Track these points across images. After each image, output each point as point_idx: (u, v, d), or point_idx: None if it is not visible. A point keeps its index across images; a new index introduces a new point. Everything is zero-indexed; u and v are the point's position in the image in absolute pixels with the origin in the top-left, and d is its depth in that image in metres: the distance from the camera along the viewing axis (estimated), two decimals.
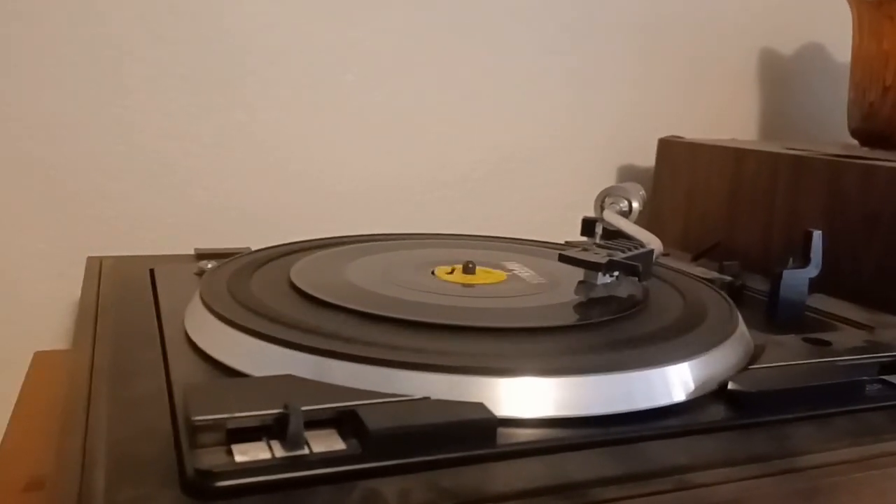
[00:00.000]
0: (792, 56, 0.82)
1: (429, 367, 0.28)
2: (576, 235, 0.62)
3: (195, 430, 0.25)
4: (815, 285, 0.45)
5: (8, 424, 0.46)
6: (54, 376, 0.54)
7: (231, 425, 0.25)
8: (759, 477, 0.27)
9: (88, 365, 0.32)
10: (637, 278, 0.36)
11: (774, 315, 0.42)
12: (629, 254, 0.36)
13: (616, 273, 0.37)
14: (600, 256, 0.35)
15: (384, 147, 0.68)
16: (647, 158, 0.75)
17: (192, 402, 0.25)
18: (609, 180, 0.76)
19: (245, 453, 0.24)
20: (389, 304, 0.35)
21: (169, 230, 0.62)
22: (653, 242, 0.43)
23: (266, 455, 0.24)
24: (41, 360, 0.57)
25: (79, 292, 0.56)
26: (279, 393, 0.27)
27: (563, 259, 0.36)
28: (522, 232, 0.73)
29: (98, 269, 0.48)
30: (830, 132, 0.82)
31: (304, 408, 0.25)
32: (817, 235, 0.43)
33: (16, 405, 0.49)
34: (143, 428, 0.27)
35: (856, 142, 0.69)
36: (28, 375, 0.55)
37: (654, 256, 0.39)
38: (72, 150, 0.59)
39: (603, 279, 0.36)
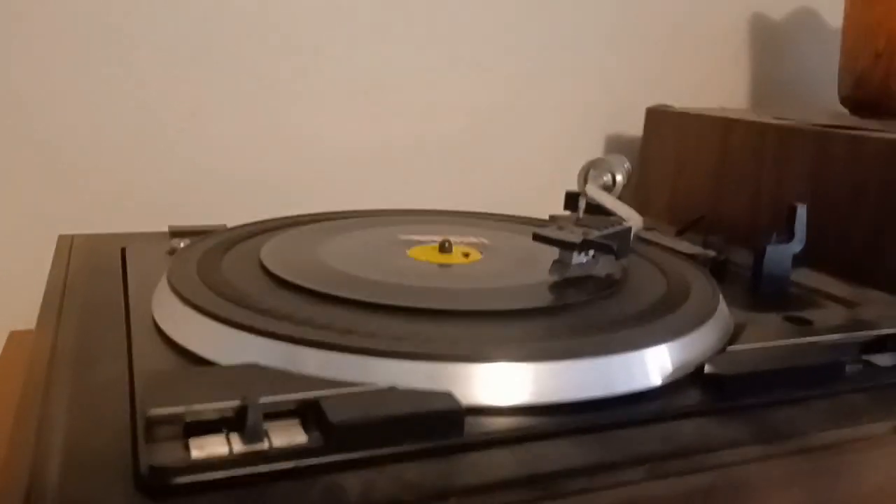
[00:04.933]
0: (783, 20, 0.80)
1: (396, 353, 0.28)
2: (560, 203, 0.61)
3: (151, 423, 0.24)
4: (801, 259, 0.44)
5: None
6: (28, 358, 0.53)
7: (188, 418, 0.24)
8: (735, 464, 0.26)
9: (49, 348, 0.32)
10: (613, 257, 0.35)
11: (757, 291, 0.41)
12: (605, 232, 0.35)
13: (592, 252, 0.36)
14: (575, 235, 0.34)
15: (364, 115, 0.66)
16: (633, 125, 0.74)
17: (149, 394, 0.24)
18: (595, 147, 0.75)
19: (202, 448, 0.23)
20: (360, 286, 0.34)
21: (144, 204, 0.61)
22: (632, 219, 0.42)
23: (224, 450, 0.23)
24: (16, 340, 0.57)
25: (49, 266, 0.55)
26: (240, 383, 0.26)
27: (537, 238, 0.35)
28: (506, 200, 0.72)
29: (68, 248, 0.47)
30: (823, 98, 0.80)
31: (264, 399, 0.25)
32: (801, 209, 0.42)
33: None
34: (101, 418, 0.26)
35: (846, 110, 0.68)
36: (2, 356, 0.54)
37: (632, 234, 0.38)
38: (41, 123, 0.57)
39: (578, 258, 0.35)
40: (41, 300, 0.59)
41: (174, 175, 0.61)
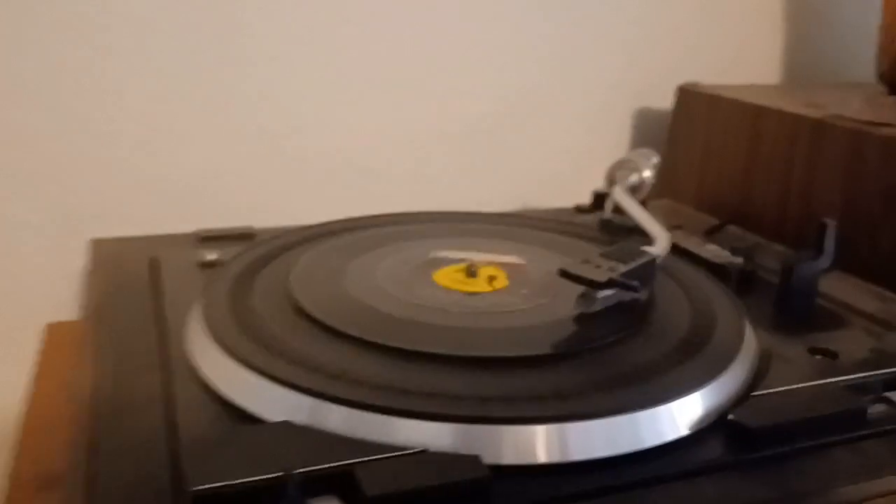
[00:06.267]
0: None
1: (424, 415, 0.28)
2: (588, 186, 0.61)
3: (195, 500, 0.25)
4: (837, 258, 0.43)
5: (25, 414, 0.47)
6: (69, 353, 0.55)
7: (230, 492, 0.25)
8: None
9: (91, 394, 0.33)
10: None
11: (784, 311, 0.41)
12: (631, 266, 0.35)
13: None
14: (601, 272, 0.35)
15: (387, 100, 0.66)
16: (662, 100, 0.72)
17: (192, 469, 0.26)
18: (622, 125, 0.74)
19: None
20: (387, 326, 0.35)
21: (164, 195, 0.61)
22: (659, 239, 0.42)
23: None
24: (54, 332, 0.58)
25: (77, 261, 0.56)
26: (277, 450, 0.27)
27: (563, 275, 0.35)
28: (533, 182, 0.71)
29: (100, 258, 0.48)
30: (864, 68, 0.77)
31: (300, 470, 0.26)
32: (831, 227, 0.42)
33: (31, 389, 0.50)
34: (145, 479, 0.27)
35: (884, 88, 0.66)
36: (41, 352, 0.55)
37: (656, 262, 0.38)
38: (58, 116, 0.57)
39: (604, 292, 0.36)
40: (66, 290, 0.60)
41: (192, 164, 0.61)
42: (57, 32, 0.55)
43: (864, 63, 0.75)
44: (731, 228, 0.56)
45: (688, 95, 0.67)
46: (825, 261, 0.42)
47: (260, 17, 0.60)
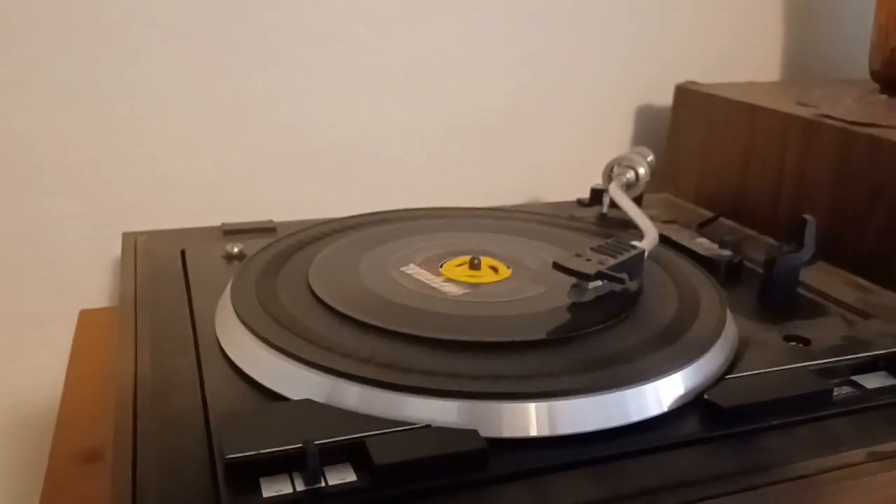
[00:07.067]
0: None
1: (429, 392, 0.32)
2: (591, 179, 0.64)
3: (228, 466, 0.29)
4: (818, 251, 0.46)
5: (62, 395, 0.51)
6: (101, 337, 0.59)
7: (258, 460, 0.29)
8: (722, 496, 0.30)
9: (132, 377, 0.36)
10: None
11: (767, 301, 0.44)
12: (619, 259, 0.39)
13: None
14: (591, 265, 0.38)
15: (401, 97, 0.69)
16: (663, 97, 0.75)
17: (225, 439, 0.29)
18: (625, 121, 0.76)
19: (271, 487, 0.28)
20: (397, 314, 0.38)
21: (192, 190, 0.65)
22: (648, 233, 0.45)
23: (288, 489, 0.28)
24: (87, 319, 0.62)
25: (113, 250, 0.60)
26: (299, 424, 0.31)
27: (556, 267, 0.38)
28: (537, 177, 0.75)
29: (133, 251, 0.52)
30: (859, 65, 0.79)
31: (319, 442, 0.29)
32: (811, 223, 0.44)
33: (67, 371, 0.55)
34: (183, 450, 0.31)
35: (877, 85, 0.68)
36: (75, 337, 0.59)
37: (645, 255, 0.41)
38: (93, 117, 0.61)
39: (595, 283, 0.39)
40: (103, 278, 0.65)
41: (217, 161, 0.65)
42: (91, 40, 0.59)
43: (861, 60, 0.77)
44: (725, 222, 0.59)
45: (686, 94, 0.69)
46: (806, 254, 0.45)
47: (279, 21, 0.63)
